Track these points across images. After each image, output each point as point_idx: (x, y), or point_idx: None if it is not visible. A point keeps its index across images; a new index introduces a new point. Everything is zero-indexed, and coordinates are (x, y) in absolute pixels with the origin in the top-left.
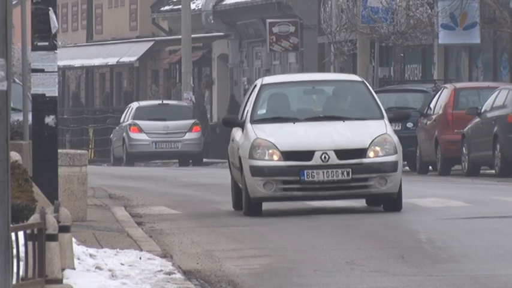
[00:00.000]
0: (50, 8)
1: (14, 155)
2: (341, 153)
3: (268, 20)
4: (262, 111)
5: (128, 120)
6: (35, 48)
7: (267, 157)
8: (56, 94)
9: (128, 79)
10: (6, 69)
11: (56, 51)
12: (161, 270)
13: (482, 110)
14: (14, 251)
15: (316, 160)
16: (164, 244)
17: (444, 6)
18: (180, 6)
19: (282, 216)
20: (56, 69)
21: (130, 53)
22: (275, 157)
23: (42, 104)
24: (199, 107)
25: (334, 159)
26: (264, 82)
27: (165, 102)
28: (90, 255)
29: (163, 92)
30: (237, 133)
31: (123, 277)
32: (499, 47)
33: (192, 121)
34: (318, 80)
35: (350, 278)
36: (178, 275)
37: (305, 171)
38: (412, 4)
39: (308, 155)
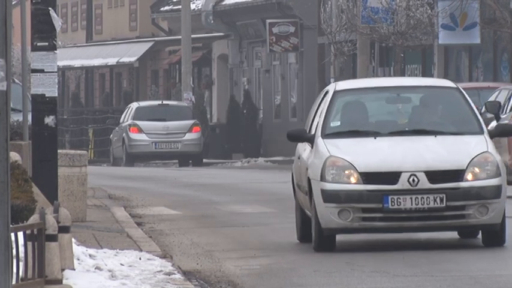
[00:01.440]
0: (50, 8)
1: (14, 156)
2: (433, 176)
3: (268, 20)
4: (336, 124)
5: (127, 121)
6: (34, 48)
7: (342, 179)
8: (56, 94)
9: (128, 79)
10: (6, 70)
11: (55, 51)
12: (161, 271)
13: (483, 111)
14: (14, 251)
15: (402, 183)
16: (164, 244)
17: (444, 7)
18: (179, 7)
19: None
20: (56, 70)
21: (130, 53)
22: (353, 179)
23: (42, 105)
24: (199, 108)
25: (424, 183)
26: (338, 88)
27: (165, 102)
28: (90, 255)
29: (163, 93)
30: (304, 150)
31: (123, 277)
32: (499, 47)
33: (191, 121)
34: (403, 85)
35: (350, 279)
36: (178, 276)
37: (389, 197)
38: (412, 4)
39: (393, 177)
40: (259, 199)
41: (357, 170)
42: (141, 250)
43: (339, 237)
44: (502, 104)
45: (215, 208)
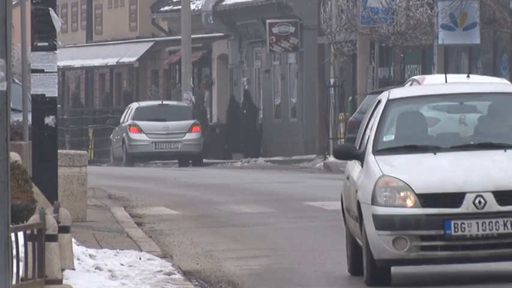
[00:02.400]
0: (50, 8)
1: (14, 156)
2: (502, 196)
3: (268, 21)
4: (389, 138)
5: (127, 121)
6: (34, 48)
7: (397, 202)
8: (56, 94)
9: (128, 79)
10: (6, 70)
11: (55, 51)
12: (161, 271)
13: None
14: (14, 251)
15: (467, 206)
16: (164, 244)
17: (444, 7)
18: (179, 7)
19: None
20: (56, 70)
21: (130, 54)
22: (409, 202)
23: (42, 105)
24: (199, 108)
25: (492, 205)
26: (392, 96)
27: (164, 102)
28: (90, 255)
29: (163, 93)
30: (354, 168)
31: (123, 277)
32: (499, 48)
33: (191, 121)
34: (467, 92)
35: (350, 278)
36: (178, 276)
37: (452, 222)
38: (412, 4)
39: (456, 199)
40: (259, 199)
41: (413, 191)
42: (141, 250)
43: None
44: None
45: (215, 208)
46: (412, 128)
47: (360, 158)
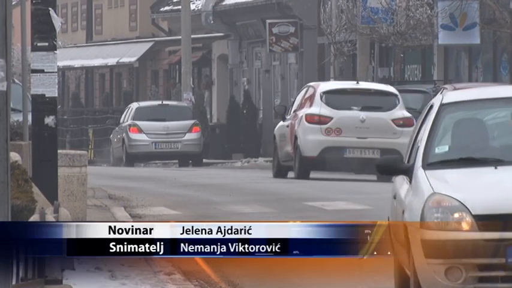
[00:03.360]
0: (50, 8)
1: (14, 156)
2: None
3: (268, 21)
4: (443, 149)
5: (127, 121)
6: (34, 48)
7: (450, 225)
8: (56, 95)
9: (128, 79)
10: (6, 70)
11: (55, 51)
12: (161, 271)
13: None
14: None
15: None
16: None
17: (444, 7)
18: (179, 7)
19: None
20: (56, 70)
21: (130, 54)
22: (464, 225)
23: (42, 105)
24: (199, 108)
25: None
26: (446, 100)
27: (164, 102)
28: None
29: (163, 93)
30: (401, 185)
31: (123, 277)
32: (498, 48)
33: (191, 121)
34: None
35: (350, 278)
36: (178, 276)
37: None
38: (411, 5)
39: None
40: (259, 199)
41: (470, 212)
42: None
43: None
44: None
45: (215, 208)
46: (470, 138)
47: (408, 173)
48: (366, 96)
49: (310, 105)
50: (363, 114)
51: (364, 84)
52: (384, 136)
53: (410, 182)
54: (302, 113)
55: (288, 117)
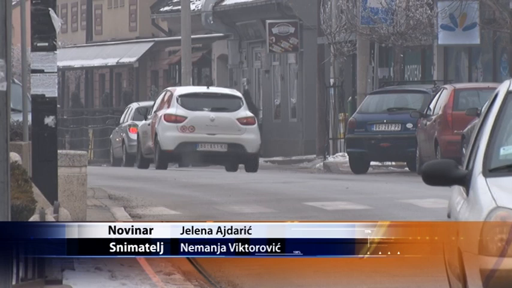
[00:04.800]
0: (50, 9)
1: (14, 156)
2: None
3: (268, 21)
4: (510, 150)
5: (127, 121)
6: (34, 48)
7: None
8: (56, 95)
9: (128, 80)
10: (6, 70)
11: (55, 51)
12: (161, 271)
13: (482, 111)
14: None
15: None
16: None
17: (444, 7)
18: (179, 7)
19: None
20: (56, 70)
21: (130, 54)
22: None
23: (41, 105)
24: None
25: None
26: None
27: None
28: None
29: None
30: (456, 198)
31: (123, 277)
32: (498, 48)
33: None
34: None
35: (350, 279)
36: (178, 276)
37: None
38: (411, 5)
39: None
40: (259, 199)
41: None
42: None
43: None
44: None
45: (215, 208)
46: None
47: (464, 181)
48: (215, 99)
49: (168, 107)
50: (213, 114)
51: (213, 89)
52: (230, 133)
53: (467, 193)
54: (161, 113)
55: (150, 116)
